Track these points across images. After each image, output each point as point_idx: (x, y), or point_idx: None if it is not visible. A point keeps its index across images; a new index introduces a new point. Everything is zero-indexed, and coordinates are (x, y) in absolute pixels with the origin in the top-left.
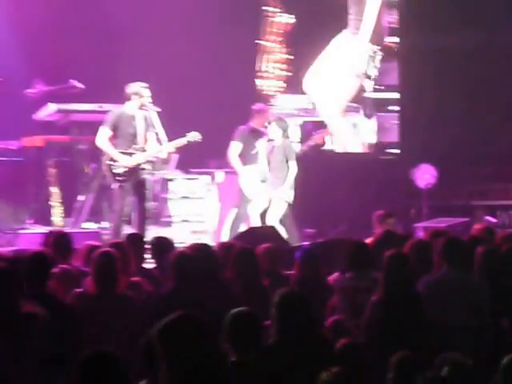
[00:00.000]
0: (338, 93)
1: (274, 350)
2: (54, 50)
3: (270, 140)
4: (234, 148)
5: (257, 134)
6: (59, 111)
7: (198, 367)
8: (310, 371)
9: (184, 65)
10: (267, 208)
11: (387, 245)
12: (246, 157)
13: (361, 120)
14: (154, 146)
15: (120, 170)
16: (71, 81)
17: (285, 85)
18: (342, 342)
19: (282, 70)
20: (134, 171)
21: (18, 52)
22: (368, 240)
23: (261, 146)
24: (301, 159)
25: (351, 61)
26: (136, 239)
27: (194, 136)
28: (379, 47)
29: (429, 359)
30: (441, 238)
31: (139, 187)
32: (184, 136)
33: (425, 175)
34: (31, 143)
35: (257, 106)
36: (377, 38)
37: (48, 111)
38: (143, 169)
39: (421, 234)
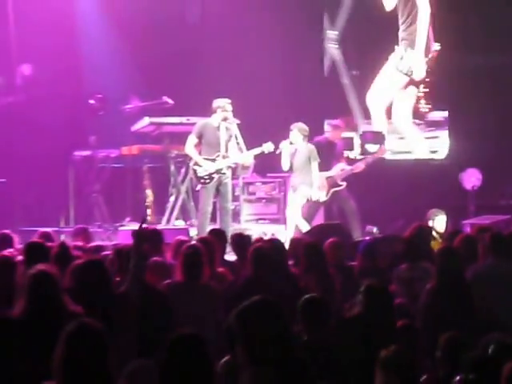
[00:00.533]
0: (398, 102)
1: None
2: (148, 70)
3: (291, 143)
4: None
5: (332, 145)
6: (152, 124)
7: (274, 345)
8: (372, 348)
9: (261, 80)
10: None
11: (420, 238)
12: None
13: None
14: (235, 153)
15: (203, 174)
16: (163, 97)
17: None
18: (401, 323)
19: None
20: (215, 175)
21: (116, 72)
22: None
23: (284, 149)
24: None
25: (406, 71)
26: (219, 234)
27: (268, 146)
28: (428, 57)
29: (475, 340)
30: (486, 233)
31: (221, 189)
32: (260, 146)
33: (471, 178)
34: (129, 152)
35: (334, 121)
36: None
37: (143, 124)
38: (224, 173)
39: (468, 230)
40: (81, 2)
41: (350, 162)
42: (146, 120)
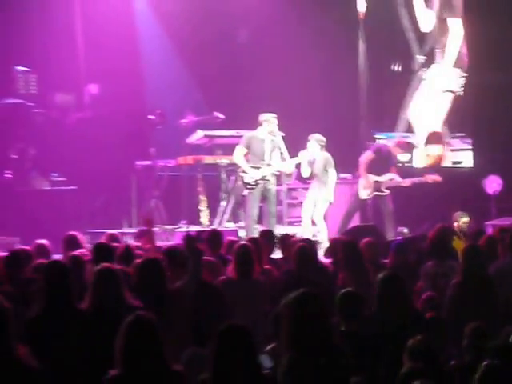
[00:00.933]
0: (436, 114)
1: (374, 320)
2: (201, 87)
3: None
4: (367, 158)
5: (389, 155)
6: (206, 136)
7: (314, 333)
8: (402, 337)
9: (303, 94)
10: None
11: (443, 237)
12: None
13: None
14: (278, 162)
15: (249, 180)
16: (214, 112)
17: None
18: (429, 314)
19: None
20: (260, 181)
21: (173, 89)
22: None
23: (303, 158)
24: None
25: (443, 85)
26: (267, 235)
27: (303, 156)
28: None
29: (497, 329)
30: (506, 233)
31: (266, 194)
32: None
33: (493, 184)
34: (184, 161)
35: (401, 139)
36: (459, 63)
37: (197, 136)
38: (268, 180)
39: (490, 231)
40: (142, 26)
41: (400, 173)
42: (200, 133)
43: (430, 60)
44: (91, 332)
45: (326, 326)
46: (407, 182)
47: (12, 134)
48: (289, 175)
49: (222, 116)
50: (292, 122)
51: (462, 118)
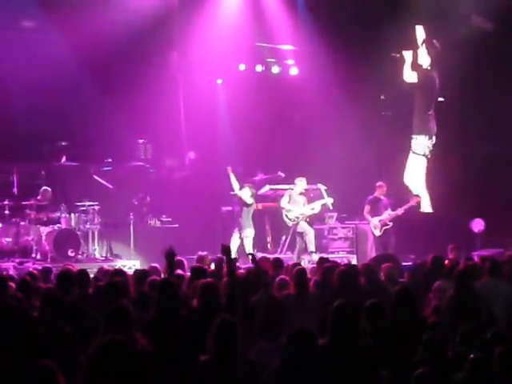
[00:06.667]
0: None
1: (391, 325)
2: (268, 153)
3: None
4: (367, 209)
5: (379, 200)
6: (271, 189)
7: (348, 332)
8: (413, 337)
9: (338, 163)
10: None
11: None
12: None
13: None
14: (308, 206)
15: (290, 215)
16: (278, 172)
17: None
18: (433, 319)
19: None
20: (300, 220)
21: (244, 153)
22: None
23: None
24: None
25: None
26: (322, 261)
27: (326, 201)
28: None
29: (482, 330)
30: (487, 261)
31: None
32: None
33: (478, 225)
34: (256, 207)
35: (378, 183)
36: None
37: (265, 189)
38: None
39: (476, 259)
40: (222, 110)
41: (393, 208)
42: (267, 187)
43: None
44: (193, 332)
45: (357, 326)
46: (400, 211)
47: (134, 186)
48: (330, 218)
49: (283, 174)
50: (333, 181)
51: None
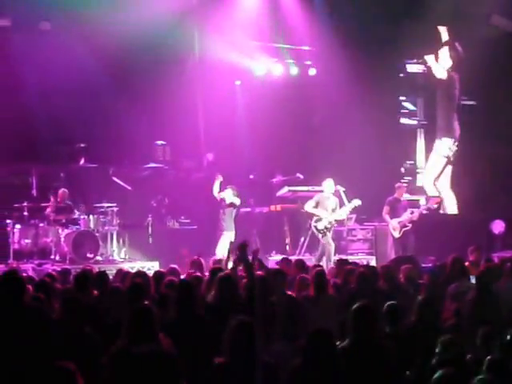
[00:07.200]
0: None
1: (414, 327)
2: (287, 155)
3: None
4: (386, 210)
5: (398, 201)
6: (290, 191)
7: (367, 332)
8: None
9: (359, 163)
10: None
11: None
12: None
13: None
14: (338, 211)
15: (319, 226)
16: (297, 174)
17: None
18: (452, 321)
19: None
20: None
21: (264, 155)
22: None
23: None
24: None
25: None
26: (341, 263)
27: (356, 202)
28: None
29: (502, 332)
30: (507, 262)
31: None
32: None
33: (498, 226)
34: (275, 209)
35: (397, 184)
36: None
37: (284, 191)
38: (331, 226)
39: (495, 260)
40: (241, 112)
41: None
42: (286, 189)
43: None
44: (208, 332)
45: (376, 327)
46: (418, 212)
47: (153, 188)
48: (350, 219)
49: (301, 176)
50: (351, 182)
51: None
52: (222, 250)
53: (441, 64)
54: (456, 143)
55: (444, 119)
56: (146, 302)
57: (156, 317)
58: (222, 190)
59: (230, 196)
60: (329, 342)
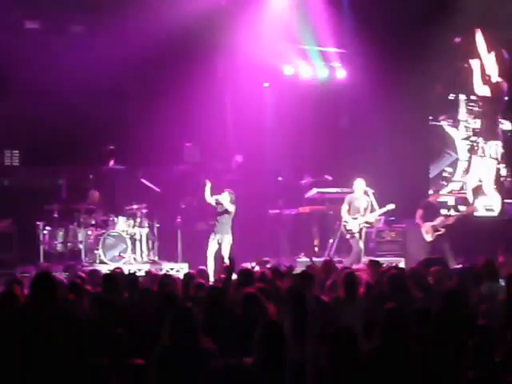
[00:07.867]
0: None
1: (438, 326)
2: (314, 156)
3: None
4: (419, 213)
5: (432, 205)
6: (318, 193)
7: (392, 332)
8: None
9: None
10: None
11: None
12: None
13: None
14: (369, 213)
15: (349, 227)
16: (325, 175)
17: None
18: (481, 322)
19: None
20: (357, 227)
21: (292, 157)
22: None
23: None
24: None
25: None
26: (373, 264)
27: (390, 207)
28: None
29: None
30: None
31: (361, 235)
32: (384, 207)
33: None
34: (303, 211)
35: (432, 188)
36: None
37: (312, 193)
38: (362, 228)
39: None
40: (269, 113)
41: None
42: (314, 190)
43: None
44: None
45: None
46: (452, 219)
47: (182, 190)
48: (377, 221)
49: (330, 178)
50: (380, 184)
51: None
52: (213, 253)
53: (487, 71)
54: (502, 145)
55: (488, 122)
56: (187, 304)
57: (196, 318)
58: (214, 194)
59: (226, 201)
60: (352, 343)
